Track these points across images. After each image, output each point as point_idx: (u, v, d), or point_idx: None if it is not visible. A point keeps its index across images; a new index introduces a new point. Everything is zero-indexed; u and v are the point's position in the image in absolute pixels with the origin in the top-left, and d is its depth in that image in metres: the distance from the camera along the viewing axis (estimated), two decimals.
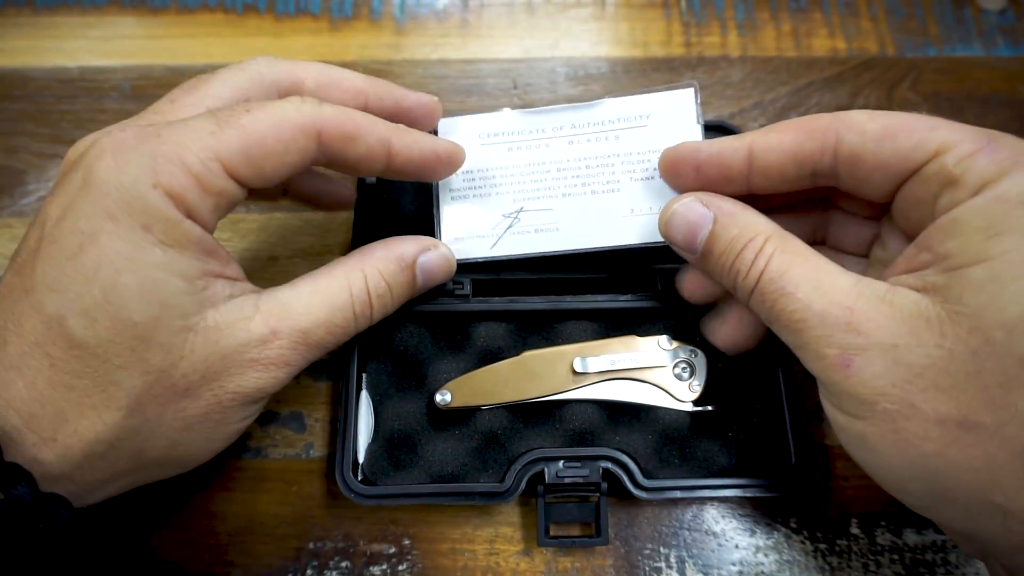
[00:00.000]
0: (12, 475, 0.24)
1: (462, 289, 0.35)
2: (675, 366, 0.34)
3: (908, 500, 0.26)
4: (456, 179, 0.35)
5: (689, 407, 0.34)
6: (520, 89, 0.45)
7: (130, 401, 0.25)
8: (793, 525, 0.34)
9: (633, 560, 0.33)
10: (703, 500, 0.34)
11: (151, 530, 0.34)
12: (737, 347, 0.33)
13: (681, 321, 0.35)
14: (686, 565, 0.33)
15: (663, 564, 0.33)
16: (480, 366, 0.34)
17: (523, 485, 0.32)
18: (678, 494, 0.32)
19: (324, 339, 0.29)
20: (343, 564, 0.33)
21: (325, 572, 0.33)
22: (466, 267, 0.34)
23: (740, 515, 0.34)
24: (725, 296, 0.33)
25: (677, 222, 0.30)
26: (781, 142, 0.28)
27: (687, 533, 0.34)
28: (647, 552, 0.34)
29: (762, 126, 0.43)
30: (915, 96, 0.44)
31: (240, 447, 0.36)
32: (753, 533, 0.34)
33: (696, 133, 0.34)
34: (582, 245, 0.34)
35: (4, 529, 0.24)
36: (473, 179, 0.35)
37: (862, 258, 0.32)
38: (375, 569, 0.33)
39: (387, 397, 0.35)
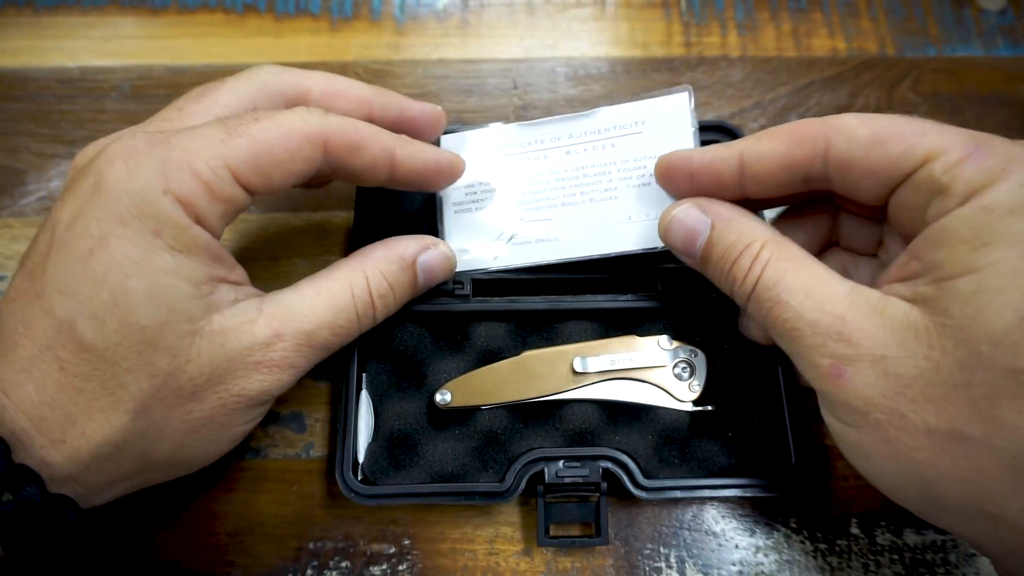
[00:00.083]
0: (21, 476, 0.24)
1: (462, 289, 0.35)
2: (675, 366, 0.34)
3: (905, 505, 0.27)
4: (458, 192, 0.36)
5: (689, 407, 0.34)
6: (520, 89, 0.45)
7: (137, 404, 0.26)
8: (793, 525, 0.34)
9: (633, 560, 0.33)
10: (703, 500, 0.34)
11: (152, 530, 0.34)
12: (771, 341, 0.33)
13: (681, 321, 0.35)
14: (686, 565, 0.33)
15: (663, 564, 0.33)
16: (480, 366, 0.34)
17: (523, 485, 0.32)
18: (678, 494, 0.32)
19: (328, 340, 0.30)
20: (343, 564, 0.33)
21: (325, 572, 0.33)
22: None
23: (740, 515, 0.34)
24: None
25: (676, 228, 0.30)
26: (772, 150, 0.28)
27: (687, 533, 0.34)
28: (647, 552, 0.34)
29: (762, 126, 0.43)
30: (915, 96, 0.44)
31: (241, 447, 0.35)
32: (753, 533, 0.34)
33: (691, 137, 0.34)
34: (582, 253, 0.34)
35: (13, 529, 0.24)
36: (474, 192, 0.36)
37: (873, 258, 0.32)
38: (375, 569, 0.33)
39: (387, 397, 0.35)
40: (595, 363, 0.34)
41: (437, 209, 0.36)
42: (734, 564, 0.33)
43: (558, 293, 0.36)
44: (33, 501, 0.24)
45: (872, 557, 0.33)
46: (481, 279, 0.35)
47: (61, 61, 0.46)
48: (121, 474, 0.27)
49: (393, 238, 0.32)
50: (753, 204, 0.31)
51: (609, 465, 0.32)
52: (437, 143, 0.36)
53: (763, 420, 0.34)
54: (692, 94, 0.34)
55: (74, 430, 0.25)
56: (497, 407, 0.34)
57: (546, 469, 0.32)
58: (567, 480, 0.32)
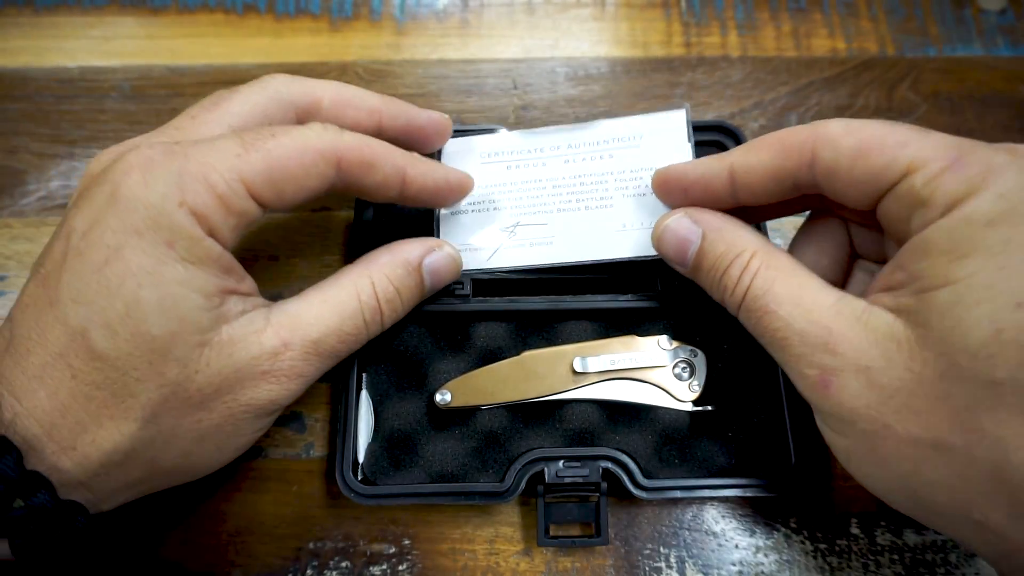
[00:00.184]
0: (33, 483, 0.24)
1: (462, 289, 0.35)
2: (675, 366, 0.34)
3: (899, 509, 0.27)
4: None
5: (689, 407, 0.34)
6: (520, 89, 0.45)
7: (146, 413, 0.26)
8: (793, 525, 0.34)
9: (633, 560, 0.33)
10: (703, 500, 0.34)
11: (152, 530, 0.34)
12: None
13: (681, 321, 0.35)
14: (686, 565, 0.33)
15: (663, 564, 0.33)
16: (480, 366, 0.34)
17: (523, 485, 0.32)
18: (678, 494, 0.32)
19: (336, 348, 0.30)
20: (343, 564, 0.33)
21: (325, 572, 0.33)
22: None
23: (740, 515, 0.34)
24: None
25: (668, 238, 0.31)
26: (760, 162, 0.29)
27: (687, 533, 0.34)
28: (647, 552, 0.34)
29: (762, 126, 0.43)
30: (915, 96, 0.44)
31: None
32: (753, 533, 0.34)
33: (687, 152, 0.35)
34: (576, 258, 0.35)
35: (24, 534, 0.25)
36: (473, 196, 0.36)
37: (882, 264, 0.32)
38: (375, 569, 0.33)
39: (387, 397, 0.35)
40: (595, 363, 0.34)
41: (435, 209, 0.36)
42: (734, 564, 0.33)
43: (558, 293, 0.36)
44: (44, 507, 0.25)
45: (872, 557, 0.33)
46: (481, 279, 0.35)
47: (61, 61, 0.46)
48: (129, 481, 0.27)
49: (398, 242, 0.32)
50: (752, 211, 0.31)
51: (609, 465, 0.32)
52: (438, 153, 0.37)
53: (763, 420, 0.34)
54: (689, 112, 0.36)
55: (85, 437, 0.25)
56: (497, 407, 0.34)
57: (546, 469, 0.32)
58: (567, 480, 0.32)
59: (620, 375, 0.34)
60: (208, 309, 0.26)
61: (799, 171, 0.28)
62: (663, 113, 0.36)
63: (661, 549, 0.34)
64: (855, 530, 0.34)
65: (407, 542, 0.34)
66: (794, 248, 0.32)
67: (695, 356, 0.34)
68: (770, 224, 0.36)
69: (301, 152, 0.28)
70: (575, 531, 0.34)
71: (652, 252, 0.33)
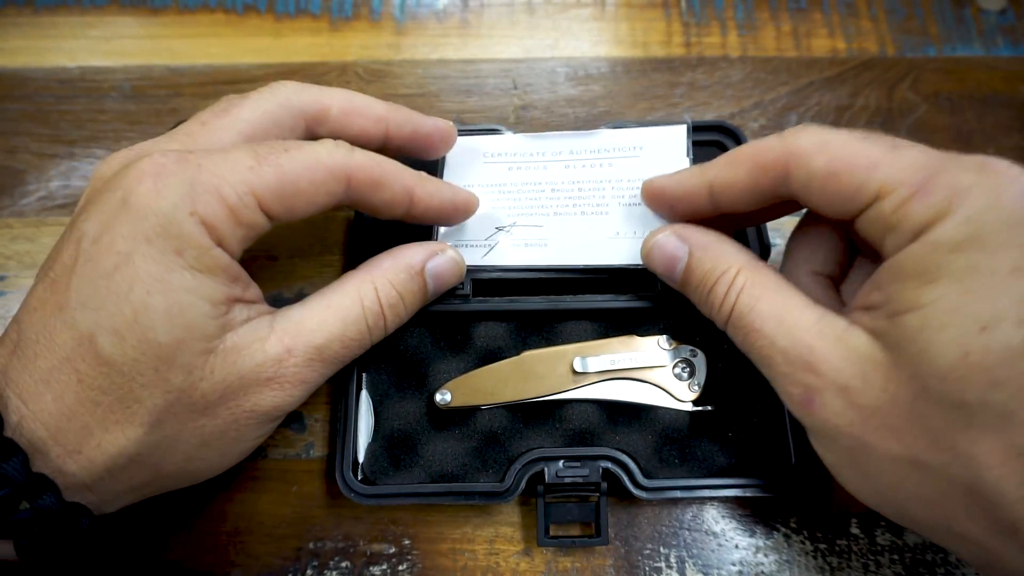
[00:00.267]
0: (39, 485, 0.25)
1: (462, 289, 0.35)
2: (675, 366, 0.34)
3: (889, 518, 0.28)
4: None
5: (689, 407, 0.34)
6: (520, 89, 0.45)
7: (151, 418, 0.26)
8: (793, 525, 0.34)
9: (633, 560, 0.33)
10: (703, 500, 0.34)
11: (153, 531, 0.34)
12: None
13: (681, 321, 0.35)
14: (686, 565, 0.33)
15: (663, 564, 0.33)
16: (480, 366, 0.34)
17: (523, 485, 0.32)
18: (678, 494, 0.32)
19: (339, 353, 0.30)
20: (343, 564, 0.33)
21: (325, 572, 0.33)
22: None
23: (740, 515, 0.34)
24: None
25: (656, 255, 0.31)
26: (736, 178, 0.29)
27: (687, 533, 0.34)
28: (647, 552, 0.34)
29: (762, 126, 0.43)
30: (915, 96, 0.44)
31: None
32: (753, 533, 0.34)
33: (685, 166, 0.35)
34: (568, 261, 0.35)
35: (29, 536, 0.25)
36: (473, 192, 0.36)
37: None
38: (375, 569, 0.33)
39: (387, 397, 0.35)
40: (595, 363, 0.34)
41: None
42: (734, 564, 0.33)
43: (558, 293, 0.36)
44: (50, 509, 0.25)
45: (872, 557, 0.33)
46: (481, 279, 0.35)
47: (61, 61, 0.46)
48: (133, 484, 0.28)
49: (400, 247, 0.32)
50: (747, 216, 0.32)
51: (609, 465, 0.32)
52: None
53: (763, 420, 0.34)
54: (690, 128, 0.36)
55: (90, 441, 0.26)
56: (497, 407, 0.34)
57: (546, 469, 0.32)
58: (567, 480, 0.32)
59: (620, 375, 0.34)
60: (215, 317, 0.27)
61: (775, 187, 0.28)
62: (665, 127, 0.37)
63: (661, 549, 0.34)
64: (855, 530, 0.34)
65: (407, 542, 0.34)
66: (791, 246, 0.32)
67: (695, 356, 0.34)
68: (770, 224, 0.36)
69: (312, 168, 0.28)
70: (575, 531, 0.34)
71: (641, 261, 0.33)
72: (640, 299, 0.35)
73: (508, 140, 0.38)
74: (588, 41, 0.46)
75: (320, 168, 0.29)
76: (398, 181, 0.31)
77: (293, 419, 0.36)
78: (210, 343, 0.27)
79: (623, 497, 0.34)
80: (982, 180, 0.23)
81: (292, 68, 0.45)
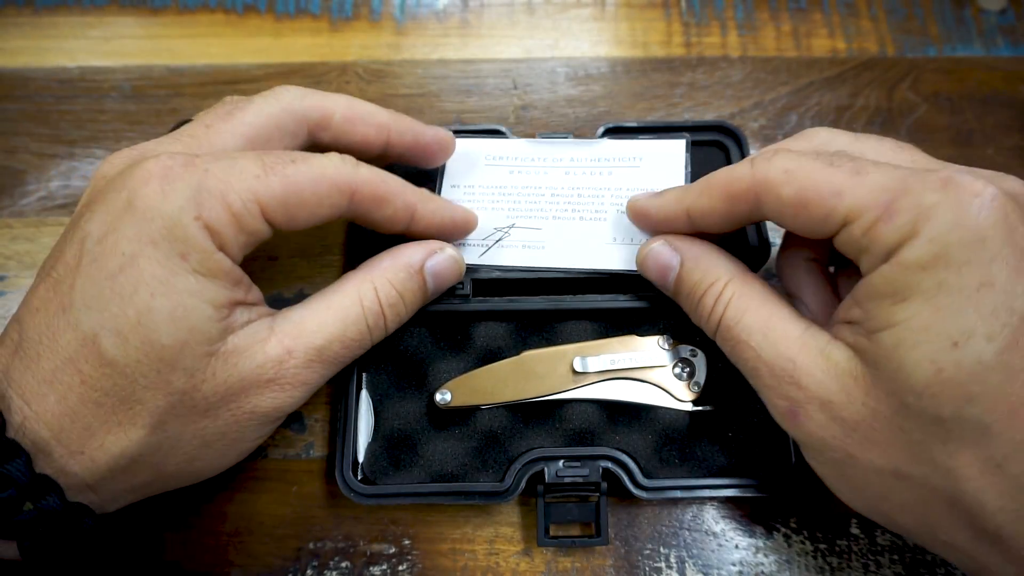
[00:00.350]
0: (42, 486, 0.25)
1: (462, 289, 0.35)
2: (675, 366, 0.34)
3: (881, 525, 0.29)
4: (458, 192, 0.37)
5: (689, 407, 0.34)
6: (520, 89, 0.45)
7: (153, 420, 0.26)
8: (793, 525, 0.34)
9: (633, 560, 0.33)
10: (703, 500, 0.34)
11: (153, 531, 0.34)
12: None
13: (681, 321, 0.35)
14: (686, 565, 0.33)
15: (663, 564, 0.33)
16: (480, 366, 0.34)
17: (523, 485, 0.32)
18: (678, 494, 0.32)
19: (339, 354, 0.30)
20: (343, 564, 0.33)
21: (325, 572, 0.33)
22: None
23: (740, 515, 0.34)
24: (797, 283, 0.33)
25: (650, 263, 0.32)
26: (712, 207, 0.30)
27: (687, 533, 0.34)
28: (647, 552, 0.34)
29: (762, 126, 0.43)
30: (915, 96, 0.44)
31: None
32: (753, 533, 0.34)
33: (682, 179, 0.37)
34: (565, 264, 0.35)
35: (34, 537, 0.25)
36: (473, 193, 0.37)
37: None
38: (375, 569, 0.33)
39: (387, 397, 0.35)
40: (595, 363, 0.34)
41: None
42: (734, 564, 0.33)
43: (558, 293, 0.36)
44: (53, 510, 0.25)
45: (872, 557, 0.33)
46: (481, 279, 0.35)
47: (61, 61, 0.46)
48: (134, 484, 0.28)
49: (399, 246, 0.32)
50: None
51: (609, 465, 0.32)
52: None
53: (763, 420, 0.34)
54: (689, 143, 0.37)
55: (93, 442, 0.26)
56: (497, 407, 0.34)
57: (546, 469, 0.32)
58: (567, 480, 0.32)
59: (620, 375, 0.34)
60: (217, 320, 0.27)
61: (750, 214, 0.29)
62: (665, 140, 0.38)
63: (661, 549, 0.34)
64: (855, 530, 0.34)
65: (407, 542, 0.34)
66: (788, 235, 0.32)
67: (695, 356, 0.34)
68: (770, 223, 0.36)
69: (318, 181, 0.29)
70: (575, 531, 0.34)
71: (637, 269, 0.34)
72: (640, 299, 0.35)
73: (510, 144, 0.38)
74: (588, 41, 0.46)
75: (325, 181, 0.29)
76: (401, 198, 0.31)
77: (293, 419, 0.36)
78: (212, 346, 0.27)
79: (623, 497, 0.34)
80: (946, 198, 0.24)
81: (292, 68, 0.45)
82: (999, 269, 0.23)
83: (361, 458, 0.33)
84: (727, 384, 0.34)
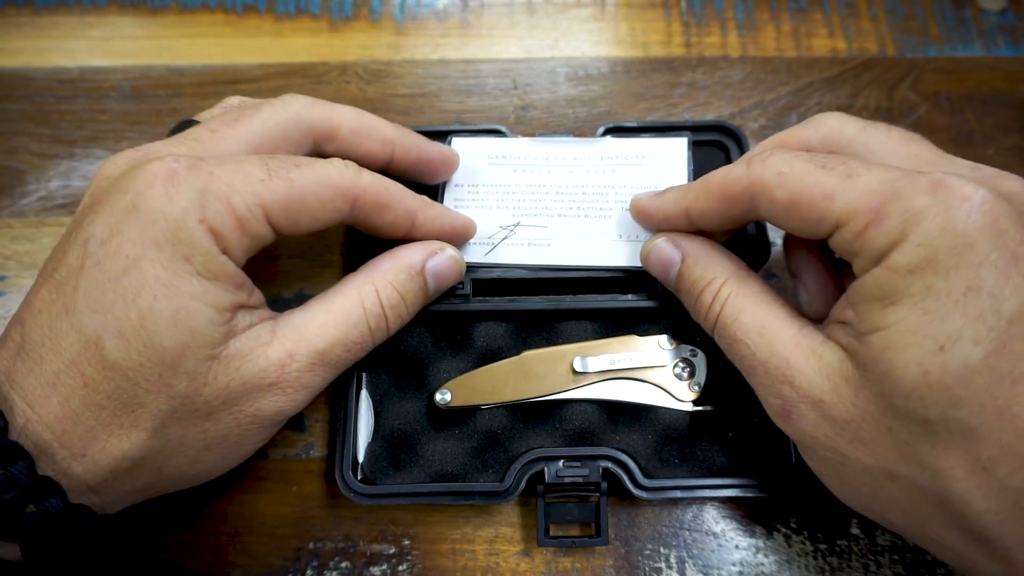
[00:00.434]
0: (45, 488, 0.25)
1: (462, 289, 0.35)
2: (675, 366, 0.34)
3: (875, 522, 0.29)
4: (462, 190, 0.38)
5: (689, 407, 0.34)
6: (520, 89, 0.45)
7: (155, 423, 0.26)
8: (793, 525, 0.34)
9: (633, 560, 0.33)
10: (703, 500, 0.34)
11: (152, 531, 0.34)
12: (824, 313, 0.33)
13: (681, 321, 0.35)
14: (686, 565, 0.33)
15: (663, 564, 0.33)
16: (480, 366, 0.34)
17: (523, 485, 0.32)
18: (678, 494, 0.32)
19: (341, 357, 0.30)
20: (343, 564, 0.33)
21: (325, 572, 0.33)
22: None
23: (740, 515, 0.34)
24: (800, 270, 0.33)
25: (653, 258, 0.33)
26: (710, 208, 0.30)
27: (687, 533, 0.34)
28: (647, 552, 0.34)
29: (762, 126, 0.43)
30: (915, 96, 0.44)
31: None
32: (753, 533, 0.34)
33: (684, 176, 0.37)
34: (571, 261, 0.36)
35: (37, 539, 0.25)
36: (477, 192, 0.37)
37: None
38: (375, 569, 0.33)
39: (387, 397, 0.35)
40: (595, 363, 0.34)
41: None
42: (734, 564, 0.33)
43: (558, 293, 0.36)
44: (56, 512, 0.25)
45: (872, 557, 0.33)
46: (481, 279, 0.35)
47: (61, 61, 0.46)
48: (136, 486, 0.28)
49: (400, 247, 0.33)
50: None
51: (609, 465, 0.32)
52: (449, 143, 0.39)
53: (763, 420, 0.34)
54: (691, 141, 0.38)
55: (95, 445, 0.26)
56: (497, 407, 0.34)
57: (546, 469, 0.32)
58: (567, 480, 0.32)
59: (620, 375, 0.34)
60: (220, 324, 0.27)
61: (746, 214, 0.29)
62: (667, 139, 0.38)
63: (661, 549, 0.34)
64: (855, 530, 0.34)
65: (407, 542, 0.34)
66: (787, 241, 0.32)
67: (695, 356, 0.34)
68: None
69: (321, 186, 0.29)
70: (575, 531, 0.34)
71: (641, 264, 0.34)
72: (640, 299, 0.35)
73: (514, 143, 0.39)
74: (588, 41, 0.46)
75: (329, 186, 0.29)
76: (402, 205, 0.31)
77: (293, 419, 0.36)
78: (214, 349, 0.27)
79: (623, 497, 0.34)
80: (935, 202, 0.24)
81: (292, 68, 0.45)
82: (987, 273, 0.23)
83: (361, 458, 0.33)
84: (727, 384, 0.34)
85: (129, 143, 0.43)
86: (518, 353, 0.34)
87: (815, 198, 0.26)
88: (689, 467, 0.34)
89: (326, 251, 0.40)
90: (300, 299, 0.38)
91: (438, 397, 0.33)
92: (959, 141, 0.43)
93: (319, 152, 0.33)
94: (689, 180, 0.37)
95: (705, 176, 0.31)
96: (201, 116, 0.33)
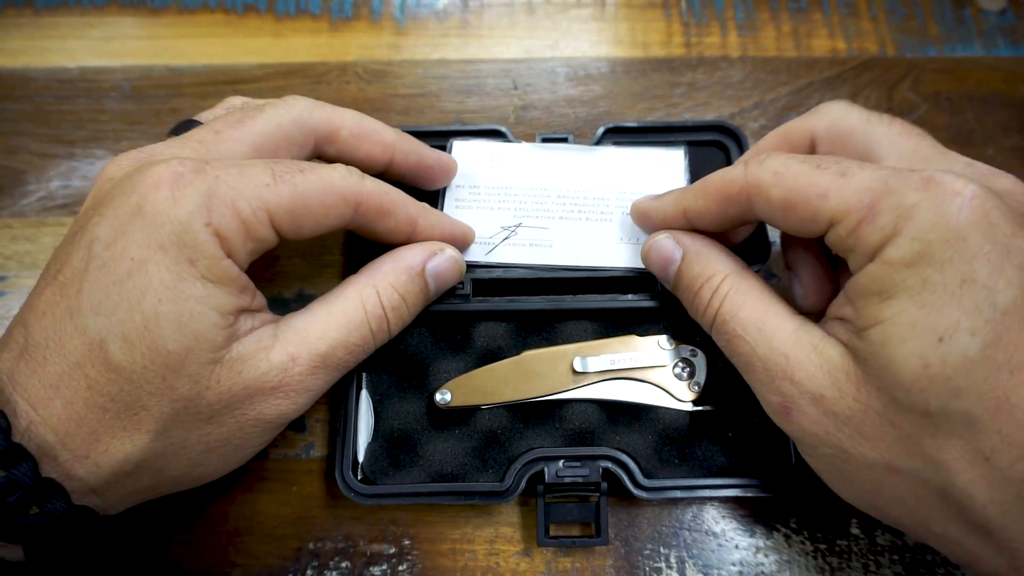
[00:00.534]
0: (48, 490, 0.25)
1: (462, 289, 0.35)
2: (675, 366, 0.34)
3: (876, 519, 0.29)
4: (463, 191, 0.38)
5: (689, 407, 0.34)
6: (520, 89, 0.45)
7: (158, 426, 0.26)
8: (793, 525, 0.34)
9: (633, 560, 0.33)
10: (703, 500, 0.34)
11: (152, 531, 0.34)
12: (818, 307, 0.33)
13: (681, 321, 0.35)
14: (686, 565, 0.33)
15: (663, 564, 0.33)
16: (480, 366, 0.34)
17: (523, 485, 0.32)
18: (678, 494, 0.32)
19: (343, 360, 0.30)
20: (343, 564, 0.33)
21: (325, 572, 0.33)
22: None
23: (740, 515, 0.34)
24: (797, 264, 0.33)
25: (653, 255, 0.33)
26: (708, 208, 0.31)
27: (687, 533, 0.34)
28: (647, 552, 0.34)
29: (762, 126, 0.43)
30: (915, 96, 0.44)
31: None
32: (753, 533, 0.34)
33: (682, 184, 0.37)
34: (571, 262, 0.36)
35: (40, 541, 0.25)
36: (479, 193, 0.38)
37: None
38: (375, 569, 0.33)
39: (387, 397, 0.35)
40: (595, 363, 0.34)
41: (439, 204, 0.37)
42: (734, 564, 0.33)
43: (558, 293, 0.36)
44: (59, 514, 0.25)
45: (872, 557, 0.33)
46: (481, 279, 0.35)
47: (61, 61, 0.46)
48: (138, 488, 0.28)
49: (399, 248, 0.33)
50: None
51: (609, 465, 0.32)
52: (448, 149, 0.39)
53: (763, 420, 0.34)
54: (687, 152, 0.38)
55: (98, 447, 0.26)
56: (497, 407, 0.34)
57: (546, 469, 0.32)
58: (567, 480, 0.32)
59: (620, 375, 0.34)
60: (223, 327, 0.27)
61: (743, 214, 0.30)
62: (665, 149, 0.39)
63: (661, 549, 0.34)
64: (855, 530, 0.34)
65: (407, 542, 0.34)
66: (784, 237, 0.33)
67: (695, 356, 0.34)
68: None
69: (325, 191, 0.29)
70: (575, 531, 0.34)
71: (641, 266, 0.35)
72: (640, 299, 0.35)
73: (516, 147, 0.39)
74: (588, 41, 0.46)
75: (333, 191, 0.29)
76: (404, 212, 0.32)
77: (294, 420, 0.36)
78: (217, 353, 0.27)
79: (623, 497, 0.34)
80: (927, 197, 0.24)
81: (292, 68, 0.45)
82: (980, 266, 0.23)
83: (361, 458, 0.33)
84: (727, 384, 0.34)
85: (129, 143, 0.43)
86: (518, 353, 0.34)
87: (810, 196, 0.26)
88: (689, 467, 0.34)
89: (326, 251, 0.40)
90: (300, 299, 0.38)
91: (438, 397, 0.33)
92: (959, 141, 0.43)
93: (320, 154, 0.33)
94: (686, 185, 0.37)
95: (703, 178, 0.31)
96: (202, 116, 0.33)
